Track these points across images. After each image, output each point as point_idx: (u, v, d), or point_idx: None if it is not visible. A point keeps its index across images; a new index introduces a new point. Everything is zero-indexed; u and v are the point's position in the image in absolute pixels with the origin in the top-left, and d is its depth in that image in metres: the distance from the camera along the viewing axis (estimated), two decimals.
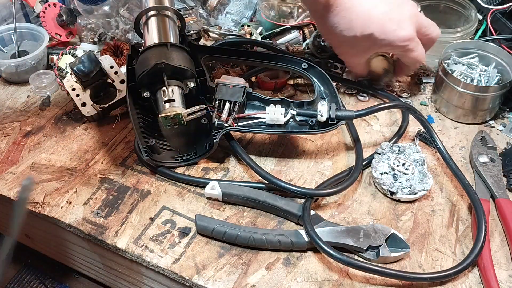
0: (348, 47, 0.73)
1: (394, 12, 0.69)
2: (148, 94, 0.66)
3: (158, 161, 0.68)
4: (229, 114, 0.67)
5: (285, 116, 0.67)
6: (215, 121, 0.66)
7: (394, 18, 0.68)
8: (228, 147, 0.71)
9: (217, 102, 0.67)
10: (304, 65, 0.73)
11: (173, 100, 0.64)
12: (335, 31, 0.70)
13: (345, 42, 0.71)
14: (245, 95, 0.66)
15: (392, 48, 0.71)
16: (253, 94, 0.68)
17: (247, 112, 0.69)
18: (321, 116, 0.65)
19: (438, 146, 0.68)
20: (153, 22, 0.69)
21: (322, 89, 0.72)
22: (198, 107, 0.65)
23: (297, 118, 0.68)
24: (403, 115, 0.77)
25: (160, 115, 0.64)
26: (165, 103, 0.64)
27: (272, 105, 0.67)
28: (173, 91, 0.64)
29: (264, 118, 0.68)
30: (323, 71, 0.72)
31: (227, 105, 0.67)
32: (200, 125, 0.67)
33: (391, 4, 0.69)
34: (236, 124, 0.67)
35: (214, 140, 0.66)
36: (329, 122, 0.67)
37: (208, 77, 0.68)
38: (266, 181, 0.66)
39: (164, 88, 0.64)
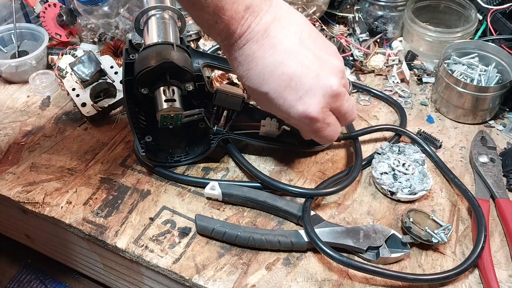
0: (254, 97, 0.60)
1: (305, 76, 0.53)
2: (147, 91, 0.65)
3: (151, 159, 0.68)
4: (227, 122, 0.68)
5: (278, 130, 0.68)
6: (214, 128, 0.67)
7: (300, 84, 0.53)
8: None
9: (215, 109, 0.68)
10: None
11: (174, 100, 0.64)
12: (235, 71, 0.56)
13: (248, 89, 0.57)
14: (243, 105, 0.67)
15: (292, 121, 0.58)
16: (250, 106, 0.69)
17: (244, 122, 0.70)
18: None
19: (435, 160, 0.69)
20: (153, 22, 0.69)
21: None
22: (197, 110, 0.65)
23: (290, 134, 0.69)
24: (401, 116, 0.77)
25: (160, 113, 0.64)
26: (165, 102, 0.64)
27: (268, 118, 0.68)
28: (173, 91, 0.64)
29: (259, 129, 0.68)
30: None
31: (225, 112, 0.68)
32: (195, 128, 0.68)
33: (308, 63, 0.53)
34: (232, 132, 0.68)
35: (211, 145, 0.66)
36: None
37: (206, 82, 0.68)
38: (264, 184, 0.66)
39: (165, 87, 0.64)
